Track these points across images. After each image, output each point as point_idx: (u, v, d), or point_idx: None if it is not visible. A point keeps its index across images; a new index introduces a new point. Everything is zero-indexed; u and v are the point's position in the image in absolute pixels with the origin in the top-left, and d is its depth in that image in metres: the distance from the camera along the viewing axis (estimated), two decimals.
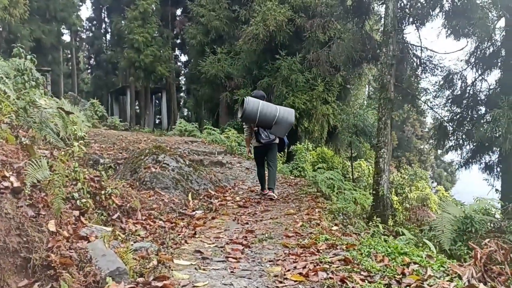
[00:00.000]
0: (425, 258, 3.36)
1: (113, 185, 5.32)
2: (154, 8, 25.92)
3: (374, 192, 9.62)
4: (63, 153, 4.98)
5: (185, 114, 37.88)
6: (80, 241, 2.78)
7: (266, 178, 7.28)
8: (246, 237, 4.44)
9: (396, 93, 10.31)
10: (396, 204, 11.03)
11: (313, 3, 15.87)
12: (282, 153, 17.48)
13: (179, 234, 4.73)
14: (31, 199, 2.56)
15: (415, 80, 11.36)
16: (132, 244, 3.79)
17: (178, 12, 32.24)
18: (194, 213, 5.98)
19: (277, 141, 7.01)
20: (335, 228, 5.28)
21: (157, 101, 39.93)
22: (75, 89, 37.29)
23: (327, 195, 7.19)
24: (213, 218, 5.55)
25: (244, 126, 7.49)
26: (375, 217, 7.59)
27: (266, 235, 4.45)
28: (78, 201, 3.98)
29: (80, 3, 35.21)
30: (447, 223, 6.69)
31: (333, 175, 7.49)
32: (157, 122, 39.40)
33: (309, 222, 5.08)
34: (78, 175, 4.30)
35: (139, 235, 4.70)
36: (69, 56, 40.58)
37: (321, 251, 3.83)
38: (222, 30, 20.04)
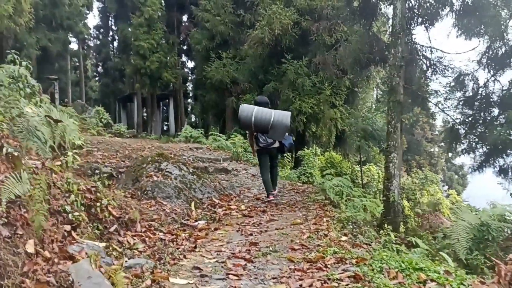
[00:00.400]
0: (443, 274, 3.07)
1: (111, 196, 5.10)
2: (160, 14, 25.85)
3: (384, 198, 9.31)
4: (58, 163, 4.78)
5: (193, 120, 37.74)
6: (64, 261, 2.54)
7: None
8: (249, 250, 4.19)
9: (405, 96, 10.00)
10: (408, 211, 10.69)
11: (319, 6, 15.63)
12: (290, 159, 17.22)
13: (178, 248, 4.49)
14: (7, 217, 2.33)
15: (425, 82, 11.03)
16: (126, 261, 3.56)
17: (184, 18, 32.19)
18: (196, 223, 5.74)
19: (276, 144, 7.14)
20: (344, 238, 5.01)
21: (164, 108, 39.89)
22: (83, 97, 37.36)
23: (335, 203, 6.91)
24: (216, 229, 5.30)
25: (247, 132, 7.71)
26: (386, 224, 7.28)
27: (271, 248, 4.19)
28: (70, 215, 3.75)
29: (87, 11, 35.29)
30: (462, 231, 6.38)
31: (341, 181, 7.20)
32: (165, 128, 39.33)
33: (316, 232, 4.81)
34: (72, 187, 4.08)
35: (137, 249, 4.47)
36: (77, 64, 40.77)
37: (329, 266, 3.56)
38: (227, 35, 19.88)
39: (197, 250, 4.21)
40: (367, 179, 17.14)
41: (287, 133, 7.14)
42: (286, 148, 7.30)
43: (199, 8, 21.08)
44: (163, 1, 28.04)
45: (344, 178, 7.31)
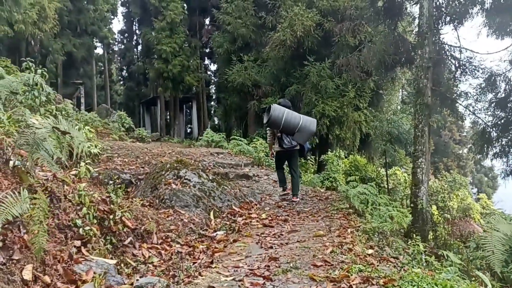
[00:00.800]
0: None
1: (127, 206, 4.96)
2: (182, 18, 25.91)
3: (412, 205, 8.94)
4: (74, 172, 4.65)
5: (216, 122, 37.77)
6: (66, 287, 2.37)
7: (288, 182, 7.92)
8: (268, 266, 3.95)
9: (433, 98, 9.59)
10: (437, 218, 10.23)
11: (342, 6, 15.29)
12: (313, 162, 16.90)
13: (195, 262, 4.29)
14: (4, 240, 2.17)
15: (454, 83, 10.58)
16: (137, 280, 3.37)
17: (207, 21, 32.22)
18: (215, 234, 5.55)
19: (298, 147, 7.43)
20: (370, 251, 4.72)
21: (187, 110, 40.05)
22: (108, 101, 37.83)
23: (360, 212, 6.61)
24: (234, 240, 5.08)
25: (267, 132, 7.90)
26: (414, 234, 6.93)
27: (291, 264, 3.94)
28: (81, 229, 3.60)
29: (112, 16, 35.77)
30: (497, 243, 6.00)
31: (367, 189, 6.89)
32: (188, 131, 39.50)
33: (340, 246, 4.53)
34: (84, 199, 3.93)
35: (152, 263, 4.30)
36: (102, 68, 41.36)
37: (353, 286, 3.29)
38: (249, 38, 19.70)
39: (213, 266, 3.99)
40: (393, 183, 16.66)
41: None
42: (305, 151, 7.65)
43: (220, 11, 20.99)
44: (185, 5, 28.13)
45: (370, 185, 6.99)
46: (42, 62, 24.60)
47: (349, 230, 5.39)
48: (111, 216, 4.18)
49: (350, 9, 14.92)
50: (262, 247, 4.77)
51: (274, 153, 7.75)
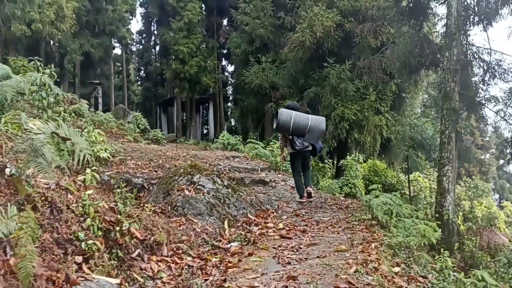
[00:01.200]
0: None
1: (136, 215, 4.67)
2: (199, 19, 25.72)
3: (437, 215, 8.48)
4: (81, 178, 4.38)
5: (233, 124, 37.56)
6: None
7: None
8: (286, 287, 3.60)
9: (461, 103, 9.12)
10: (463, 229, 9.71)
11: (363, 7, 14.82)
12: (331, 165, 16.46)
13: (206, 279, 3.98)
14: None
15: (482, 87, 10.06)
16: None
17: (225, 22, 32.02)
18: (229, 245, 5.22)
19: (310, 148, 7.60)
20: (396, 269, 4.35)
21: (204, 111, 39.97)
22: (126, 101, 37.94)
23: (383, 223, 6.20)
24: (250, 254, 4.74)
25: (278, 135, 8.23)
26: (440, 247, 6.48)
27: (312, 286, 3.58)
28: (83, 243, 3.31)
29: (131, 17, 35.85)
30: None
31: (391, 199, 6.48)
32: (204, 132, 39.39)
33: (365, 265, 4.15)
34: (88, 209, 3.65)
35: (160, 278, 4.00)
36: (120, 68, 41.56)
37: None
38: (267, 38, 19.36)
39: (226, 285, 3.66)
40: (414, 189, 16.13)
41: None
42: (317, 150, 7.78)
43: (238, 11, 20.70)
44: (203, 5, 27.96)
45: (394, 195, 6.57)
46: (60, 61, 24.72)
47: (373, 245, 5.00)
48: (118, 228, 3.88)
49: (372, 9, 14.44)
50: (279, 263, 4.42)
51: (287, 156, 7.99)
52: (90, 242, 3.36)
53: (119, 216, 4.03)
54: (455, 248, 9.09)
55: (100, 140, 5.82)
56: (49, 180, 3.64)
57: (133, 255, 4.14)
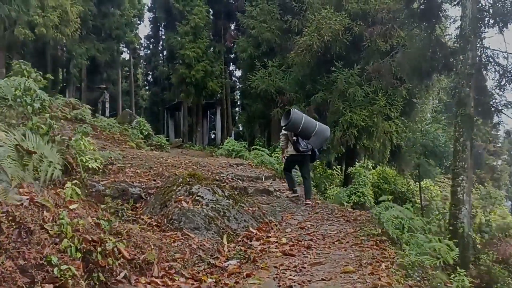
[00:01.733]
0: None
1: (126, 231, 4.30)
2: (206, 23, 25.44)
3: (450, 227, 8.01)
4: (60, 191, 4.01)
5: (240, 129, 37.21)
6: None
7: (302, 187, 8.32)
8: None
9: (476, 109, 8.66)
10: (478, 240, 9.18)
11: (373, 9, 14.37)
12: (339, 172, 15.99)
13: None
14: None
15: (498, 92, 9.59)
16: None
17: (232, 26, 31.73)
18: (227, 264, 4.83)
19: (310, 152, 7.81)
20: None
21: (211, 116, 39.69)
22: (133, 106, 37.79)
23: (394, 239, 5.77)
24: (248, 275, 4.35)
25: (281, 136, 8.17)
26: (457, 266, 6.02)
27: None
28: (55, 269, 2.94)
29: (139, 22, 35.74)
30: None
31: (402, 212, 6.05)
32: (212, 137, 39.09)
33: None
34: (65, 228, 3.28)
35: None
36: (128, 73, 41.49)
37: None
38: (274, 42, 18.98)
39: None
40: (425, 197, 15.58)
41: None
42: (316, 155, 7.96)
43: (244, 15, 20.37)
44: (210, 9, 27.69)
45: (405, 207, 6.14)
46: (66, 66, 24.58)
47: (383, 265, 4.57)
48: (100, 248, 3.50)
49: (382, 12, 14.00)
50: (279, 286, 4.02)
51: (286, 157, 8.14)
52: (64, 267, 2.98)
53: (102, 235, 3.65)
54: (471, 261, 8.60)
55: (90, 149, 5.47)
56: (22, 196, 3.29)
57: (118, 277, 3.76)
